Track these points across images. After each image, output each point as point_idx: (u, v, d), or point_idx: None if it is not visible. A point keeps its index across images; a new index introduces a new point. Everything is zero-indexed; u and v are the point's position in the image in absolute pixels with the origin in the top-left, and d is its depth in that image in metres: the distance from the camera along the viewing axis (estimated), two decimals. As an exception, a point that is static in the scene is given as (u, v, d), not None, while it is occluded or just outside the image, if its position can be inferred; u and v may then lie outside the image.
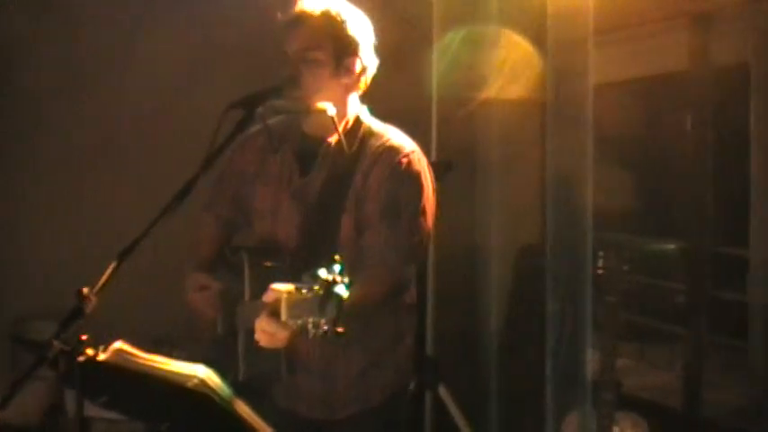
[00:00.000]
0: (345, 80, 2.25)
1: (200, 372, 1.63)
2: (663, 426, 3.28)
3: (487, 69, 3.48)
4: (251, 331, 2.05)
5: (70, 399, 3.66)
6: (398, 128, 2.36)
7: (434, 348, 3.60)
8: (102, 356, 1.75)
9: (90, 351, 1.74)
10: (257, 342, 1.96)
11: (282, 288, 1.74)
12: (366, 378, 2.29)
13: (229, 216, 2.49)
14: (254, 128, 2.39)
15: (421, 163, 2.27)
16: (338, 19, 2.21)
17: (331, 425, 2.31)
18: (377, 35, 2.34)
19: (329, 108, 2.21)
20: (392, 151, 2.24)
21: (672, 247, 3.89)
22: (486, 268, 3.76)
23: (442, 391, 3.56)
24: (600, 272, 3.09)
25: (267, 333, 1.85)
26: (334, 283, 1.65)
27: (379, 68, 2.33)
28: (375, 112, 2.39)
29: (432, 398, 3.58)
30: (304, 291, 1.68)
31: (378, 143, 2.27)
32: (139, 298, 3.96)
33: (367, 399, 2.30)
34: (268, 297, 1.82)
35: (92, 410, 2.04)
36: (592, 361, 3.34)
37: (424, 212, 2.24)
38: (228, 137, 2.11)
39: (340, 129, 2.24)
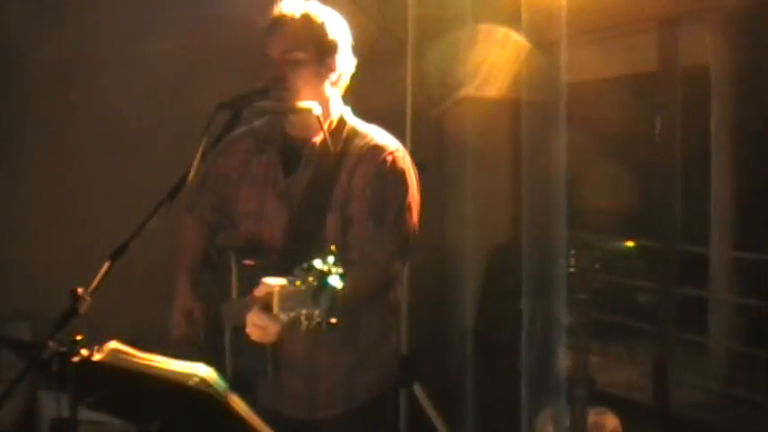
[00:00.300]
0: (328, 79, 2.29)
1: (201, 370, 1.62)
2: (633, 420, 3.37)
3: (461, 69, 3.52)
4: (238, 329, 2.08)
5: (45, 402, 3.61)
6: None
7: (408, 347, 3.62)
8: (97, 356, 1.74)
9: (84, 351, 1.73)
10: (245, 339, 1.97)
11: (274, 282, 1.76)
12: (351, 378, 2.31)
13: (212, 218, 2.50)
14: (239, 130, 2.42)
15: (405, 161, 2.31)
16: (317, 21, 2.26)
17: (314, 425, 2.32)
18: (351, 36, 2.36)
19: (315, 107, 2.24)
20: (377, 150, 2.28)
21: (635, 245, 3.98)
22: (459, 267, 3.80)
23: (417, 390, 3.59)
24: (571, 270, 3.16)
25: (259, 327, 1.85)
26: (329, 273, 1.66)
27: (354, 69, 2.36)
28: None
29: (406, 396, 3.60)
30: (297, 283, 1.69)
31: (362, 142, 2.30)
32: (116, 298, 3.94)
33: (352, 399, 2.31)
34: (259, 291, 1.83)
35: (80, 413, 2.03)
36: (564, 358, 3.40)
37: (409, 209, 2.27)
38: (216, 138, 2.13)
39: (324, 128, 2.27)
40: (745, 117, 3.53)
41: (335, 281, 1.66)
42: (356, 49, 2.36)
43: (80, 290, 1.77)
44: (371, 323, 2.32)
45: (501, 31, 3.38)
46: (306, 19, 2.26)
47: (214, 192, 2.48)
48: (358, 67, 2.36)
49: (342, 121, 2.34)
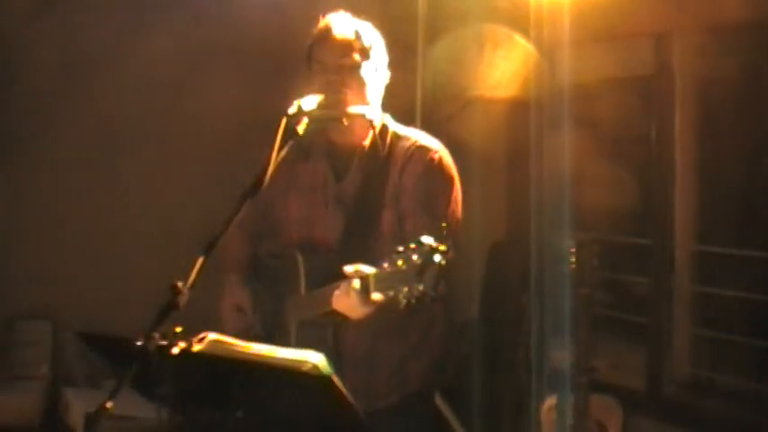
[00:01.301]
0: (375, 85, 2.45)
1: (312, 357, 1.73)
2: (630, 404, 3.57)
3: (469, 72, 3.65)
4: (303, 323, 2.28)
5: (71, 398, 3.62)
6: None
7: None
8: (197, 347, 1.82)
9: (182, 343, 1.81)
10: (309, 333, 2.11)
11: (366, 269, 1.98)
12: (405, 367, 2.45)
13: (252, 227, 2.62)
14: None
15: (448, 159, 2.49)
16: (363, 31, 2.44)
17: (372, 415, 2.43)
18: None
19: (368, 112, 2.41)
20: (423, 150, 2.46)
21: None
22: (463, 264, 3.92)
23: (439, 401, 3.69)
24: (572, 266, 3.34)
25: (356, 308, 2.03)
26: (435, 250, 1.85)
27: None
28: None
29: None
30: (399, 263, 1.89)
31: (407, 144, 2.48)
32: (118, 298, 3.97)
33: (405, 387, 2.46)
34: (353, 276, 2.03)
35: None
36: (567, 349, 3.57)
37: (456, 202, 2.46)
38: (282, 143, 2.23)
39: (371, 133, 2.45)
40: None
41: (438, 257, 1.84)
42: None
43: (179, 284, 1.84)
44: (420, 312, 2.45)
45: (507, 33, 3.52)
46: (354, 29, 2.42)
47: (259, 200, 2.60)
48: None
49: (384, 126, 2.50)
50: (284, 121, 2.22)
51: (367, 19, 2.56)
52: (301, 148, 2.51)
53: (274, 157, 2.15)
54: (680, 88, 3.68)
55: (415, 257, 1.86)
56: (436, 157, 2.44)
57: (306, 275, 2.37)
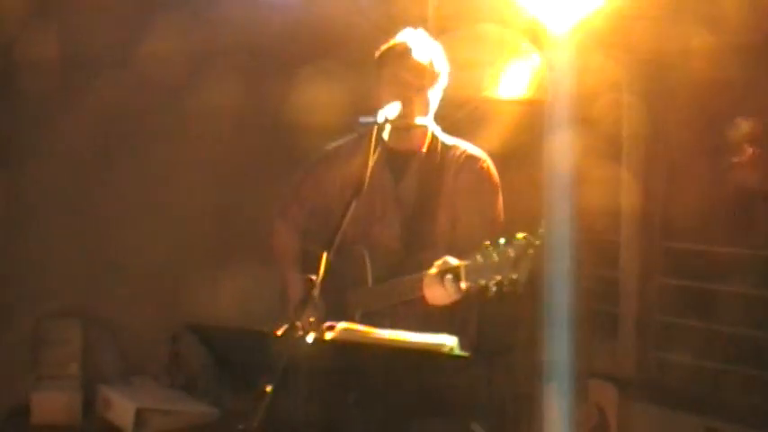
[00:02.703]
0: (435, 101, 2.75)
1: (448, 340, 1.87)
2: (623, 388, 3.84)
3: (478, 72, 3.81)
4: (367, 313, 2.57)
5: (109, 395, 3.62)
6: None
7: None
8: (329, 335, 1.94)
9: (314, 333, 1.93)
10: (373, 322, 2.37)
11: (455, 261, 2.29)
12: None
13: (304, 223, 2.88)
14: (336, 143, 2.86)
15: (493, 168, 2.80)
16: (436, 54, 2.73)
17: None
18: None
19: (430, 124, 2.74)
20: (473, 159, 2.79)
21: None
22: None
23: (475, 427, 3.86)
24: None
25: (447, 296, 2.33)
26: (530, 245, 2.15)
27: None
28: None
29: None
30: (493, 257, 2.18)
31: (458, 152, 2.79)
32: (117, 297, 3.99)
33: None
34: (443, 267, 2.33)
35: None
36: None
37: (501, 207, 2.76)
38: (375, 150, 2.40)
39: (426, 142, 2.76)
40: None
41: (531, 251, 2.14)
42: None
43: (313, 277, 1.95)
44: (457, 310, 2.64)
45: (513, 33, 3.70)
46: (430, 56, 2.70)
47: (309, 199, 2.79)
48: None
49: (435, 136, 2.78)
50: (375, 129, 2.41)
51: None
52: (359, 151, 2.70)
53: (370, 164, 2.32)
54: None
55: (510, 251, 2.08)
56: (485, 165, 2.78)
57: (372, 269, 2.62)
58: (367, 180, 2.35)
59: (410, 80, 2.63)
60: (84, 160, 4.13)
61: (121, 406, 3.62)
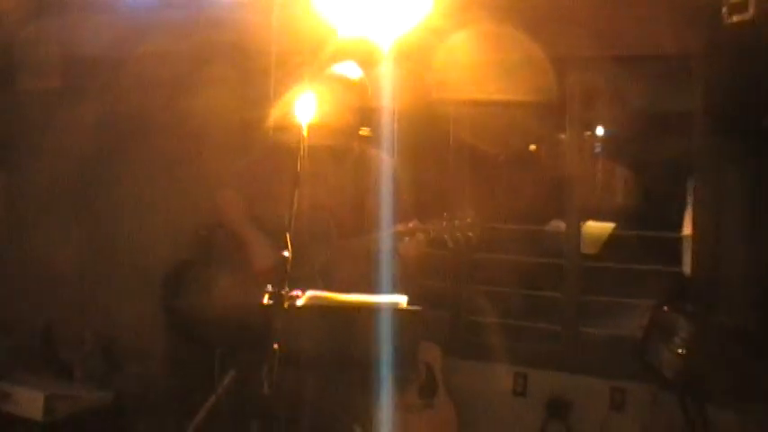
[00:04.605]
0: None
1: (401, 298, 2.44)
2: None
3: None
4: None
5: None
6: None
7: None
8: (300, 302, 2.44)
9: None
10: None
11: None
12: None
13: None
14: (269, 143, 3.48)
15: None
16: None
17: None
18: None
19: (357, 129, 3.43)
20: (381, 158, 3.46)
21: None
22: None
23: None
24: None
25: (420, 249, 3.02)
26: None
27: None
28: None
29: None
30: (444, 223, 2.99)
31: (374, 153, 3.47)
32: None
33: None
34: (416, 226, 3.06)
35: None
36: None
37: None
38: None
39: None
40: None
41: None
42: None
43: (286, 254, 2.40)
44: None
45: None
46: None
47: (251, 187, 3.32)
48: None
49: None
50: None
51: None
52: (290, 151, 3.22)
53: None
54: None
55: (465, 219, 2.93)
56: (390, 162, 3.47)
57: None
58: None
59: (347, 102, 3.29)
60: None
61: (27, 396, 3.70)
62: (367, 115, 3.48)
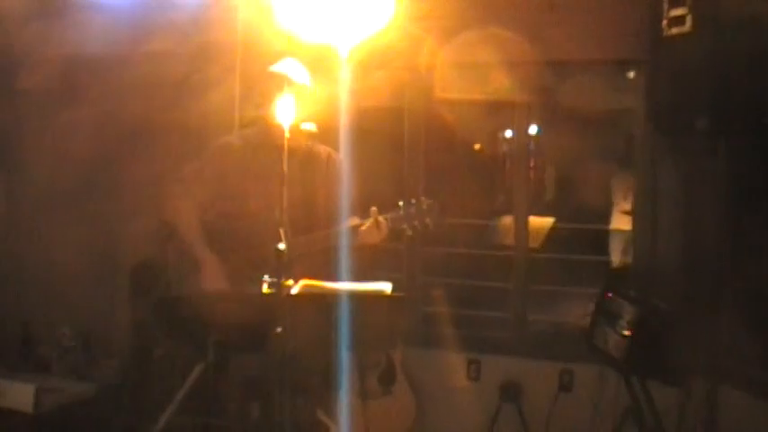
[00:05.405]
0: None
1: (386, 286, 2.66)
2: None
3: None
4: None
5: None
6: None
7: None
8: (294, 291, 2.65)
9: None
10: None
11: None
12: None
13: (205, 204, 3.51)
14: (230, 137, 3.58)
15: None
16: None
17: None
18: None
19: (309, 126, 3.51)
20: (334, 156, 3.60)
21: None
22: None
23: None
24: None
25: (381, 237, 3.15)
26: (427, 203, 3.12)
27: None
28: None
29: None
30: (401, 211, 3.13)
31: (324, 150, 3.61)
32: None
33: None
34: (374, 214, 3.17)
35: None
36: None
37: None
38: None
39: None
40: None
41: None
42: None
43: (281, 246, 2.61)
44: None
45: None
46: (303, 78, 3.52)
47: (210, 183, 3.45)
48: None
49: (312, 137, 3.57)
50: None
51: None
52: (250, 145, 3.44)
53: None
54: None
55: (421, 205, 3.06)
56: (340, 159, 3.60)
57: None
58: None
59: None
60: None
61: (17, 389, 3.77)
62: (313, 112, 3.48)
